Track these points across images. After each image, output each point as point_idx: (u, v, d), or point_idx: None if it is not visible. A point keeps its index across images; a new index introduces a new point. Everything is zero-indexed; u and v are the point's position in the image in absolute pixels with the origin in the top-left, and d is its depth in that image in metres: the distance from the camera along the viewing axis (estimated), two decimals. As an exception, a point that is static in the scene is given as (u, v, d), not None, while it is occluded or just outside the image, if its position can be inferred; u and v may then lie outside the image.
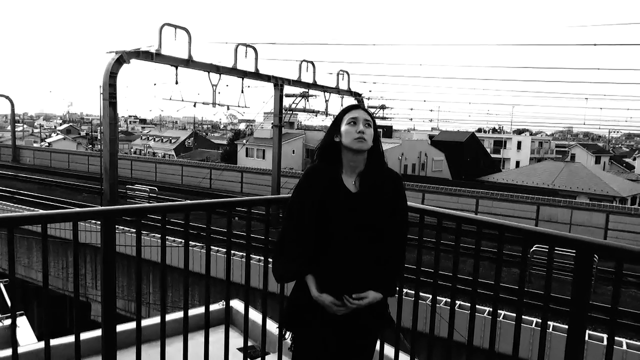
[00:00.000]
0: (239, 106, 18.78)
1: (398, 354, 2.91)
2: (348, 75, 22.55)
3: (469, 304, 2.51)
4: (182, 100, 17.21)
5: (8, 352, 2.17)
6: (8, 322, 4.57)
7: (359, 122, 2.14)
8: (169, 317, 3.09)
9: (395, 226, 2.16)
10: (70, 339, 2.70)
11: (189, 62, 15.49)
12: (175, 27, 14.97)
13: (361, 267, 2.09)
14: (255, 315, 3.40)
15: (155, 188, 24.38)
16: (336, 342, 2.12)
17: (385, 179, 2.18)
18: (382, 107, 39.02)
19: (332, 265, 2.09)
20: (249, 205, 2.95)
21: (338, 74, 22.20)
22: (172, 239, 13.43)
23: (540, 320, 2.29)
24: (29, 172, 33.72)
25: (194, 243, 13.45)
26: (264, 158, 41.00)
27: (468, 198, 23.38)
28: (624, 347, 8.16)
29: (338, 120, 2.22)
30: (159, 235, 2.50)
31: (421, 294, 2.76)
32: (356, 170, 2.19)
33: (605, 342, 7.99)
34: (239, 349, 3.30)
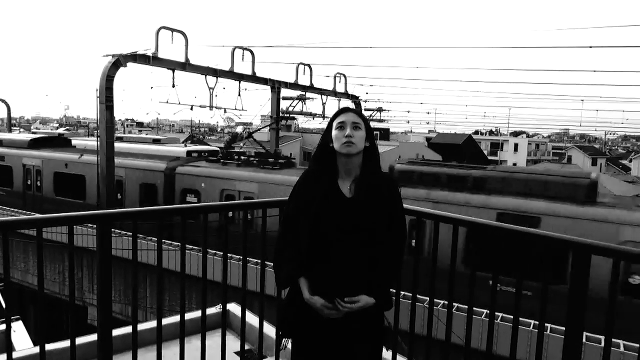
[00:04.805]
0: (236, 109, 18.78)
1: (396, 356, 2.91)
2: (345, 77, 22.59)
3: (467, 306, 2.51)
4: (179, 104, 17.17)
5: (3, 357, 2.15)
6: (3, 326, 4.55)
7: (346, 126, 2.14)
8: (165, 321, 3.08)
9: (391, 232, 2.16)
10: (66, 343, 2.68)
11: (185, 65, 15.48)
12: (172, 30, 14.97)
13: (354, 272, 2.09)
14: (252, 319, 3.39)
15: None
16: (332, 346, 2.12)
17: (381, 185, 2.18)
18: (379, 110, 39.14)
19: (325, 268, 2.09)
20: (245, 209, 2.95)
21: (335, 77, 22.24)
22: (169, 242, 13.39)
23: (537, 322, 2.29)
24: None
25: (190, 246, 13.41)
26: (261, 161, 40.96)
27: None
28: (622, 348, 8.17)
29: (329, 126, 2.23)
30: (155, 239, 2.50)
31: (418, 296, 2.76)
32: (352, 174, 2.19)
33: (602, 344, 8.00)
34: (236, 353, 3.29)
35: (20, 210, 18.54)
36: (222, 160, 15.89)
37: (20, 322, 6.67)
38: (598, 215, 9.55)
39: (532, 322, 8.57)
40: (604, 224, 9.34)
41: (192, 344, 2.82)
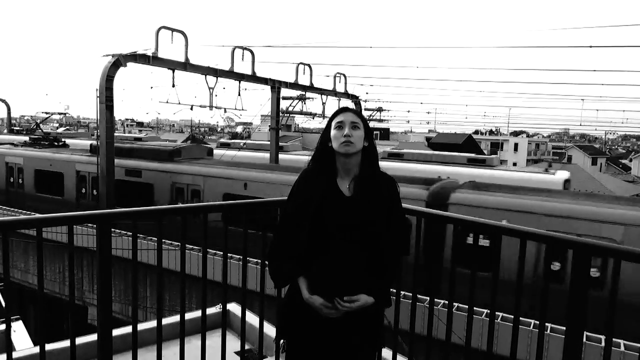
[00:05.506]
0: (236, 109, 18.78)
1: (396, 356, 2.91)
2: (345, 77, 22.59)
3: (467, 306, 2.51)
4: (179, 103, 17.18)
5: (3, 357, 2.15)
6: (3, 326, 4.55)
7: (345, 126, 2.14)
8: (165, 320, 3.08)
9: (391, 231, 2.16)
10: (66, 343, 2.68)
11: (186, 65, 15.48)
12: (172, 30, 14.96)
13: (353, 271, 2.09)
14: (252, 319, 3.39)
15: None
16: (331, 346, 2.12)
17: (380, 184, 2.19)
18: (379, 110, 39.13)
19: (324, 268, 2.09)
20: (245, 209, 2.95)
21: (335, 77, 22.24)
22: (169, 242, 13.39)
23: (538, 322, 2.29)
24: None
25: (190, 246, 13.40)
26: (261, 161, 40.89)
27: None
28: (622, 348, 8.16)
29: (328, 125, 2.23)
30: (155, 239, 2.50)
31: (419, 295, 2.76)
32: (350, 173, 2.19)
33: (603, 344, 7.99)
34: (236, 353, 3.29)
35: (20, 210, 18.57)
36: (16, 144, 22.44)
37: (20, 322, 6.66)
38: (170, 168, 15.83)
39: (532, 321, 8.57)
40: (167, 174, 15.72)
41: (192, 344, 2.82)
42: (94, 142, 19.48)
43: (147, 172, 16.14)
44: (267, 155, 20.14)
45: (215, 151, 20.16)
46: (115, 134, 17.75)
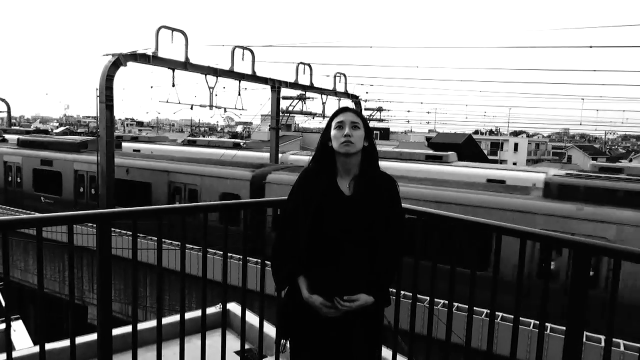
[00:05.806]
0: (236, 108, 18.77)
1: (396, 356, 2.91)
2: (345, 77, 22.59)
3: (467, 306, 2.51)
4: (179, 103, 17.17)
5: (3, 356, 2.15)
6: (3, 325, 4.55)
7: (345, 126, 2.15)
8: (165, 320, 3.08)
9: (390, 230, 2.16)
10: (66, 343, 2.68)
11: (186, 65, 15.47)
12: (172, 29, 14.95)
13: (353, 270, 2.09)
14: (252, 318, 3.39)
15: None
16: (331, 345, 2.11)
17: (380, 183, 2.19)
18: (379, 109, 39.09)
19: (323, 267, 2.09)
20: (244, 208, 2.96)
21: (335, 76, 22.24)
22: (169, 241, 13.39)
23: (537, 322, 2.29)
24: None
25: (190, 246, 13.39)
26: (261, 160, 40.82)
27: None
28: (622, 348, 8.16)
29: (328, 125, 2.23)
30: (156, 238, 2.50)
31: (418, 295, 2.76)
32: (350, 173, 2.20)
33: (602, 344, 7.99)
34: (236, 352, 3.29)
35: (21, 210, 18.58)
36: None
37: (20, 322, 6.67)
38: (75, 158, 18.47)
39: (532, 321, 8.57)
40: (71, 163, 18.43)
41: (192, 344, 2.82)
42: (21, 137, 23.34)
43: (57, 161, 18.93)
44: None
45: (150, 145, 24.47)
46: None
